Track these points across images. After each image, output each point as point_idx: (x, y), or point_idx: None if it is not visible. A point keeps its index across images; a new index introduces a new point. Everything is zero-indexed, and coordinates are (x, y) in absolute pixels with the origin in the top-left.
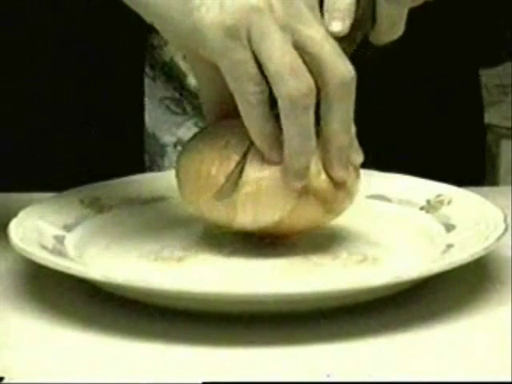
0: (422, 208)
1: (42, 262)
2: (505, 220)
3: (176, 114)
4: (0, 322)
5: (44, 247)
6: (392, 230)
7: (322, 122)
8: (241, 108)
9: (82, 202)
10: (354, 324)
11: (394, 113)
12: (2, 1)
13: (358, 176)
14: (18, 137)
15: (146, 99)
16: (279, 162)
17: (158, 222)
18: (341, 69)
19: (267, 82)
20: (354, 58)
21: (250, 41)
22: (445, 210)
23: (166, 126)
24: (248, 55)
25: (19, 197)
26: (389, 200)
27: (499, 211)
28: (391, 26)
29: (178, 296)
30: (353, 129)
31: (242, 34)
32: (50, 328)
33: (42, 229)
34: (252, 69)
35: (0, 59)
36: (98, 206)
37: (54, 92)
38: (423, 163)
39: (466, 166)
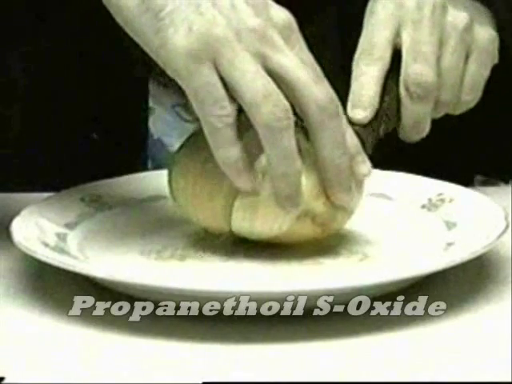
0: (423, 206)
1: (46, 260)
2: (505, 218)
3: (186, 120)
4: (2, 322)
5: (46, 245)
6: (393, 228)
7: (315, 151)
8: (206, 132)
9: (82, 200)
10: (355, 323)
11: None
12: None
13: (360, 192)
14: (19, 137)
15: (157, 106)
16: (249, 189)
17: (159, 220)
18: (315, 94)
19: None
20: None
21: (216, 65)
22: (446, 208)
23: (175, 132)
24: (213, 78)
25: (19, 197)
26: (390, 198)
27: (500, 209)
28: (416, 124)
29: (180, 294)
30: (357, 140)
31: (206, 59)
32: (51, 327)
33: (44, 227)
34: (217, 92)
35: (2, 58)
36: (98, 205)
37: (57, 93)
38: (424, 162)
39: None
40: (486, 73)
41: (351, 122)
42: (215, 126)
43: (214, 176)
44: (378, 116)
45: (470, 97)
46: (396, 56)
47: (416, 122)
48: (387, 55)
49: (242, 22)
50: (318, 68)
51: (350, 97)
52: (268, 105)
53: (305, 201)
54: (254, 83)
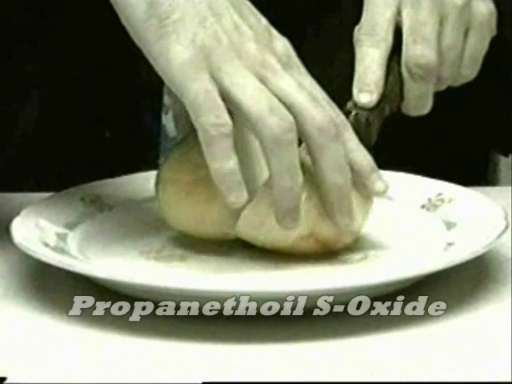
0: (422, 206)
1: (46, 260)
2: (505, 218)
3: None
4: (2, 322)
5: (46, 245)
6: (393, 228)
7: (315, 174)
8: (201, 142)
9: (82, 200)
10: (354, 322)
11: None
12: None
13: (366, 212)
14: (27, 137)
15: (175, 104)
16: (237, 206)
17: (159, 220)
18: (315, 117)
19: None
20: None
21: (215, 79)
22: (445, 208)
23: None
24: (210, 86)
25: (19, 197)
26: (390, 198)
27: (500, 209)
28: (418, 101)
29: (180, 294)
30: (370, 158)
31: (205, 69)
32: (51, 327)
33: (44, 227)
34: (214, 100)
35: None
36: (98, 205)
37: (68, 93)
38: (424, 162)
39: (468, 166)
40: (485, 46)
41: (358, 106)
42: (210, 135)
43: (207, 184)
44: (383, 98)
45: (470, 70)
46: (397, 34)
47: (419, 100)
48: (389, 36)
49: (242, 45)
50: (318, 91)
51: (356, 81)
52: (274, 117)
53: (309, 224)
54: (257, 97)
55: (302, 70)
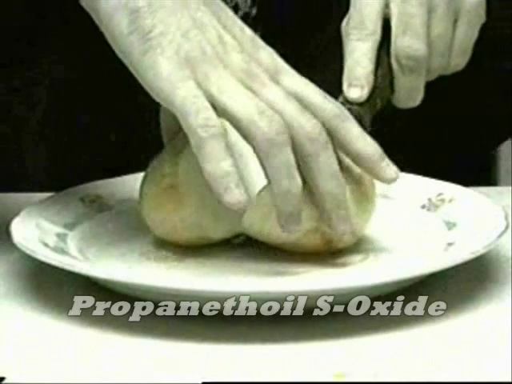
0: (423, 206)
1: (46, 260)
2: (505, 218)
3: None
4: (2, 322)
5: (46, 245)
6: (393, 228)
7: (309, 183)
8: (193, 147)
9: (82, 200)
10: (354, 322)
11: (396, 112)
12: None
13: (370, 210)
14: (35, 137)
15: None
16: (235, 207)
17: None
18: (304, 125)
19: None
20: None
21: (201, 87)
22: (446, 208)
23: None
24: (197, 92)
25: (19, 197)
26: (390, 198)
27: (500, 209)
28: (409, 93)
29: (180, 294)
30: (377, 145)
31: (192, 78)
32: (51, 327)
33: (44, 227)
34: (201, 103)
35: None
36: (98, 205)
37: (66, 94)
38: (424, 162)
39: (468, 166)
40: (475, 34)
41: (348, 101)
42: (200, 137)
43: (173, 192)
44: (373, 91)
45: (460, 59)
46: (385, 25)
47: (409, 92)
48: (378, 29)
49: (227, 55)
50: (313, 90)
51: (345, 75)
52: (265, 119)
53: (313, 221)
54: (246, 102)
55: (293, 72)
